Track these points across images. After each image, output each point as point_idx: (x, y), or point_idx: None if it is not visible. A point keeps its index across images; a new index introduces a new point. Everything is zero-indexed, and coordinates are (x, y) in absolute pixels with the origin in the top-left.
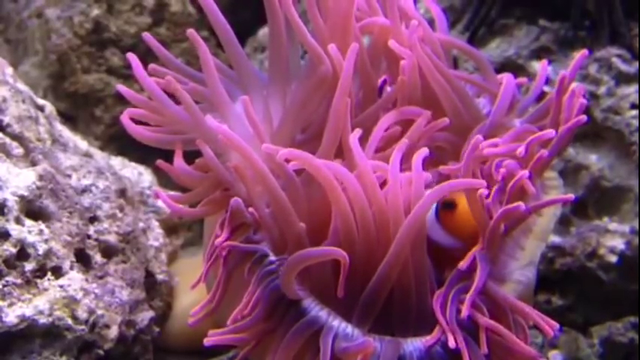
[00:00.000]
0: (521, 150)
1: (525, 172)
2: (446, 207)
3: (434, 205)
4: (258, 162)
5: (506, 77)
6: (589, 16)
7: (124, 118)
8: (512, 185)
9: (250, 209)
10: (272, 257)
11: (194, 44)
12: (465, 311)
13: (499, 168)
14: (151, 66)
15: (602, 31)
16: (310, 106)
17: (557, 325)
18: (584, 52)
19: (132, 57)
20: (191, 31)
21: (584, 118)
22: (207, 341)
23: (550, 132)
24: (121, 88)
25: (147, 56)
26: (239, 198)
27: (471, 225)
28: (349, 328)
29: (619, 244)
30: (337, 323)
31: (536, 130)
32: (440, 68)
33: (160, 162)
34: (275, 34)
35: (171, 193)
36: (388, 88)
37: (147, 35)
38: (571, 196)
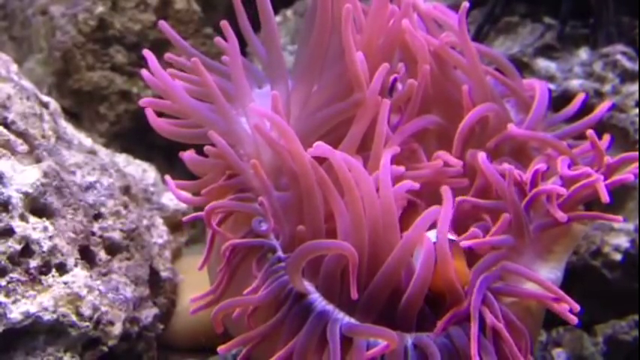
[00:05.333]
0: (608, 159)
1: (601, 177)
2: None
3: None
4: (304, 154)
5: (539, 84)
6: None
7: (148, 111)
8: (582, 186)
9: (261, 199)
10: (281, 254)
11: (224, 34)
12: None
13: (568, 166)
14: (168, 55)
15: (600, 29)
16: (334, 122)
17: (577, 307)
18: (609, 104)
19: (148, 53)
20: (224, 23)
21: None
22: (221, 350)
23: None
24: (145, 73)
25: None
26: (247, 186)
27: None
28: (352, 322)
29: (623, 242)
30: (342, 317)
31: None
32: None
33: (181, 153)
34: (319, 41)
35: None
36: (399, 86)
37: (162, 23)
38: (620, 217)
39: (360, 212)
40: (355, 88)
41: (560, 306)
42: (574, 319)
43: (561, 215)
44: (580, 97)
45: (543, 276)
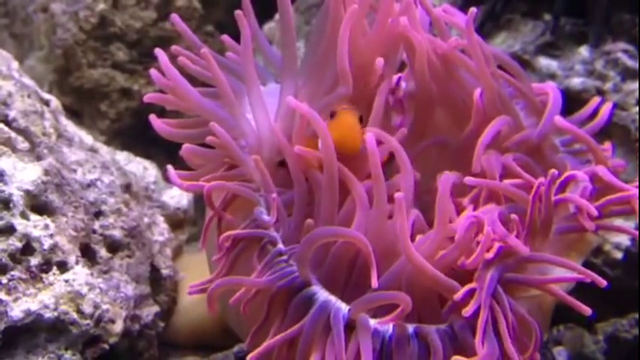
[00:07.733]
0: None
1: (635, 190)
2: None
3: None
4: (331, 142)
5: (551, 88)
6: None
7: (153, 118)
8: (616, 199)
9: (273, 195)
10: (281, 247)
11: (239, 24)
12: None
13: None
14: (174, 47)
15: (592, 28)
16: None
17: (604, 283)
18: (610, 105)
19: (159, 52)
20: (238, 13)
21: None
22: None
23: None
24: (153, 72)
25: (152, 50)
26: (247, 178)
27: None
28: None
29: (624, 240)
30: (344, 306)
31: None
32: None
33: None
34: (330, 39)
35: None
36: (403, 84)
37: (174, 16)
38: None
39: (384, 201)
40: (340, 82)
41: (573, 299)
42: (588, 310)
43: (590, 224)
44: (594, 101)
45: (560, 276)
